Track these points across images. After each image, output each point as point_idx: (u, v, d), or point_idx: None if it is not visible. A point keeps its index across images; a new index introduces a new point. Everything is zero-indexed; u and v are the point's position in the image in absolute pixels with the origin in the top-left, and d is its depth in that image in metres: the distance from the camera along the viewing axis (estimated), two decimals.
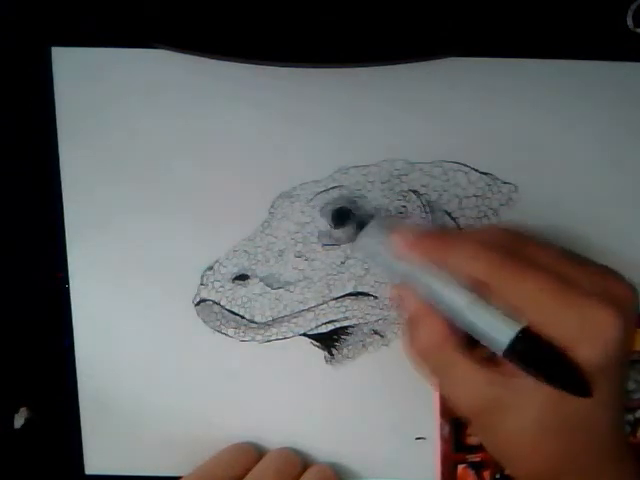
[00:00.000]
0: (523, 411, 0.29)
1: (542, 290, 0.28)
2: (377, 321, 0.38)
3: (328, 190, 0.37)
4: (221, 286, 0.38)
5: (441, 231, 0.36)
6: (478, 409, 0.30)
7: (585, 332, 0.28)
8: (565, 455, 0.30)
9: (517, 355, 0.29)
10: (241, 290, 0.38)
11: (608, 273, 0.31)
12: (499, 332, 0.29)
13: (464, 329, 0.30)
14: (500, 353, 0.29)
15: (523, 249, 0.30)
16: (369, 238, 0.33)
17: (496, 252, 0.30)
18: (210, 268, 0.38)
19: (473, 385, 0.30)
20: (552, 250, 0.31)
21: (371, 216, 0.36)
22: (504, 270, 0.29)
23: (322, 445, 0.40)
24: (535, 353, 0.28)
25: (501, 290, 0.29)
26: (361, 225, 0.34)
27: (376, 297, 0.38)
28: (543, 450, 0.30)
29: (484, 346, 0.30)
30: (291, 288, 0.38)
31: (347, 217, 0.36)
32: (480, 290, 0.30)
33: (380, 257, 0.33)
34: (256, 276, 0.38)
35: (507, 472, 0.39)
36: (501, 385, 0.30)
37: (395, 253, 0.32)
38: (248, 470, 0.37)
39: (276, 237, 0.38)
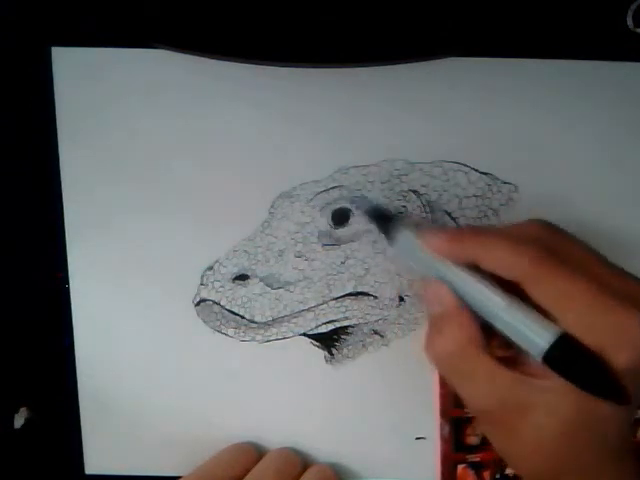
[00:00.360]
0: (546, 411, 0.29)
1: (580, 291, 0.28)
2: (377, 321, 0.38)
3: (328, 190, 0.37)
4: (221, 286, 0.38)
5: (475, 228, 0.36)
6: (497, 408, 0.30)
7: (621, 338, 0.28)
8: (569, 454, 0.30)
9: (555, 360, 0.28)
10: (241, 290, 0.38)
11: (635, 278, 0.30)
12: (537, 336, 0.28)
13: (499, 331, 0.30)
14: (538, 357, 0.28)
15: (560, 246, 0.30)
16: (404, 235, 0.32)
17: (534, 248, 0.29)
18: (210, 268, 0.38)
19: (496, 384, 0.30)
20: (588, 251, 0.31)
21: (397, 214, 0.36)
22: (542, 267, 0.29)
23: (322, 445, 0.40)
24: (574, 359, 0.28)
25: (539, 287, 0.29)
26: (396, 223, 0.33)
27: (376, 297, 0.38)
28: (550, 449, 0.30)
29: (504, 345, 0.30)
30: (291, 288, 0.38)
31: (347, 217, 0.36)
32: (517, 287, 0.29)
33: (414, 254, 0.32)
34: (256, 276, 0.38)
35: (509, 471, 0.39)
36: (525, 385, 0.29)
37: (430, 251, 0.31)
38: (248, 470, 0.37)
39: (276, 237, 0.38)
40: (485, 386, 0.30)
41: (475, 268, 0.30)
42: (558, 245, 0.30)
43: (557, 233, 0.31)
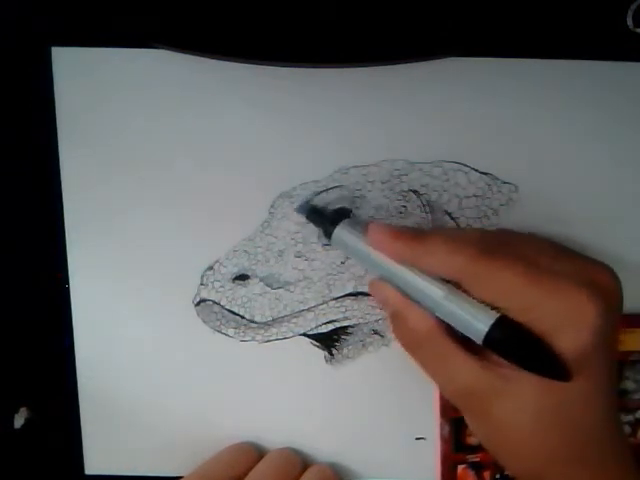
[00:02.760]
0: (513, 397, 0.30)
1: (518, 279, 0.29)
2: (377, 321, 0.38)
3: (328, 190, 0.37)
4: (221, 286, 0.38)
5: (415, 230, 0.35)
6: (470, 394, 0.31)
7: (565, 319, 0.28)
8: (556, 444, 0.30)
9: (495, 343, 0.29)
10: (241, 290, 0.38)
11: (590, 263, 0.31)
12: (477, 322, 0.29)
13: (445, 320, 0.31)
14: (480, 342, 0.29)
15: (502, 245, 0.31)
16: (345, 233, 0.34)
17: (471, 248, 0.30)
18: (210, 268, 0.38)
19: (465, 371, 0.30)
20: (533, 242, 0.32)
21: (346, 212, 0.36)
22: (479, 264, 0.29)
23: (322, 445, 0.40)
24: (512, 340, 0.29)
25: (477, 284, 0.29)
26: (335, 221, 0.34)
27: None
28: (532, 438, 0.30)
29: None
30: (291, 288, 0.38)
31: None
32: (456, 287, 0.30)
33: (356, 253, 0.33)
34: (256, 276, 0.38)
35: (506, 472, 0.39)
36: (492, 371, 0.30)
37: (370, 250, 0.32)
38: (248, 470, 0.37)
39: (276, 237, 0.38)
40: (455, 371, 0.31)
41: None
42: (498, 243, 0.31)
43: (501, 234, 0.32)
